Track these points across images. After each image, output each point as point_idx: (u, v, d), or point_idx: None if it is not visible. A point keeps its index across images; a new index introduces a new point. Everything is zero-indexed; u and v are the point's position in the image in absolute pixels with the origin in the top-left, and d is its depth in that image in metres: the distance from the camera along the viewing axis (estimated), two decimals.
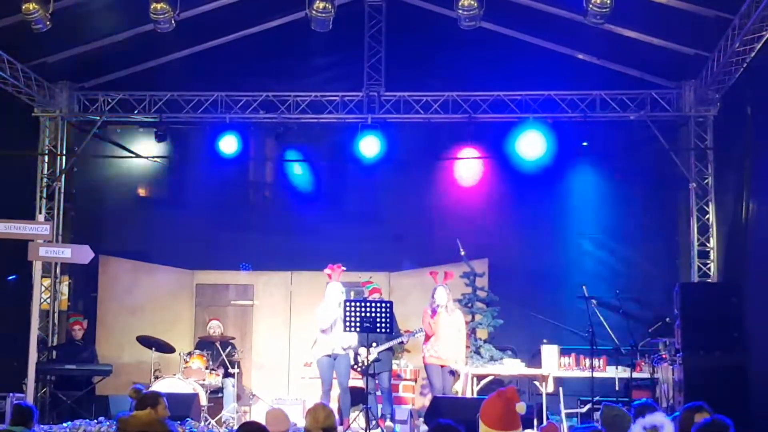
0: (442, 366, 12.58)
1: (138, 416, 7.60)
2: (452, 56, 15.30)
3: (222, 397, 13.73)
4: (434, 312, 12.70)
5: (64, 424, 11.08)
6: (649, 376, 13.09)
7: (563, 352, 13.48)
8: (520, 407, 5.27)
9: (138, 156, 16.05)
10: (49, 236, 12.24)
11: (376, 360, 12.71)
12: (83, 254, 12.44)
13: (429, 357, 12.68)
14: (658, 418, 5.20)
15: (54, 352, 14.61)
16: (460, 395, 13.09)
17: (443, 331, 12.58)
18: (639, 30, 13.96)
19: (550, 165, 15.02)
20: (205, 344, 14.06)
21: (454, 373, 12.71)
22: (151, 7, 12.56)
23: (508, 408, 5.29)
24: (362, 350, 12.32)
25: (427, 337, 12.71)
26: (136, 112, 15.55)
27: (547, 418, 12.69)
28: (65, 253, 12.68)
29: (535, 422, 12.49)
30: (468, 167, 15.69)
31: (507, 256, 15.27)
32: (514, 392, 5.41)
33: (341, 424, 12.46)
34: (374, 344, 12.58)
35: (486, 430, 5.40)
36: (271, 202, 16.56)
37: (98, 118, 15.51)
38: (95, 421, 11.51)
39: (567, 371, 13.37)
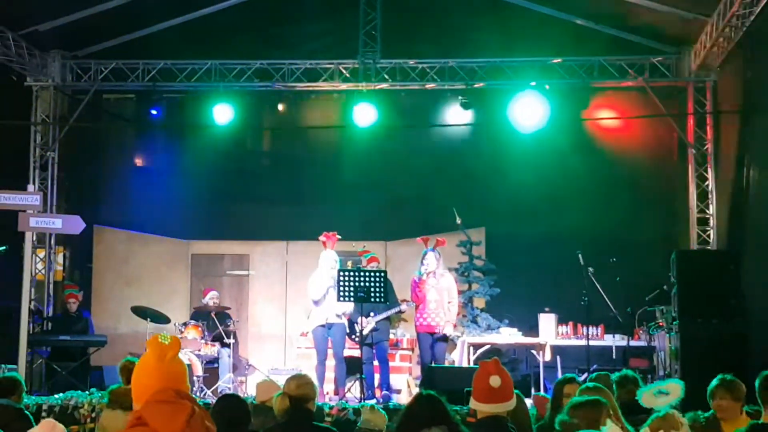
0: (431, 333, 12.46)
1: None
2: (449, 22, 15.11)
3: (218, 367, 13.68)
4: (421, 280, 12.59)
5: (56, 396, 11.01)
6: (647, 344, 13.00)
7: (561, 321, 13.39)
8: (494, 380, 5.08)
9: (133, 124, 15.94)
10: (39, 207, 12.13)
11: (374, 329, 12.62)
12: (74, 224, 12.34)
13: (419, 325, 12.59)
14: (671, 384, 5.12)
15: (49, 324, 14.54)
16: (456, 365, 13.02)
17: (430, 297, 12.48)
18: None
19: (547, 132, 14.85)
20: (200, 315, 13.99)
21: (445, 339, 12.58)
22: None
23: (484, 380, 5.16)
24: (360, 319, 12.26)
25: (417, 306, 12.62)
26: (129, 80, 15.40)
27: (545, 387, 12.64)
28: (56, 223, 12.60)
29: (532, 390, 12.42)
30: (466, 135, 15.54)
31: (504, 225, 15.11)
32: (492, 365, 5.23)
33: (336, 393, 12.43)
34: (371, 314, 12.49)
35: (471, 401, 5.31)
36: (267, 171, 16.42)
37: (91, 87, 15.36)
38: (87, 393, 11.45)
39: (564, 340, 13.28)
